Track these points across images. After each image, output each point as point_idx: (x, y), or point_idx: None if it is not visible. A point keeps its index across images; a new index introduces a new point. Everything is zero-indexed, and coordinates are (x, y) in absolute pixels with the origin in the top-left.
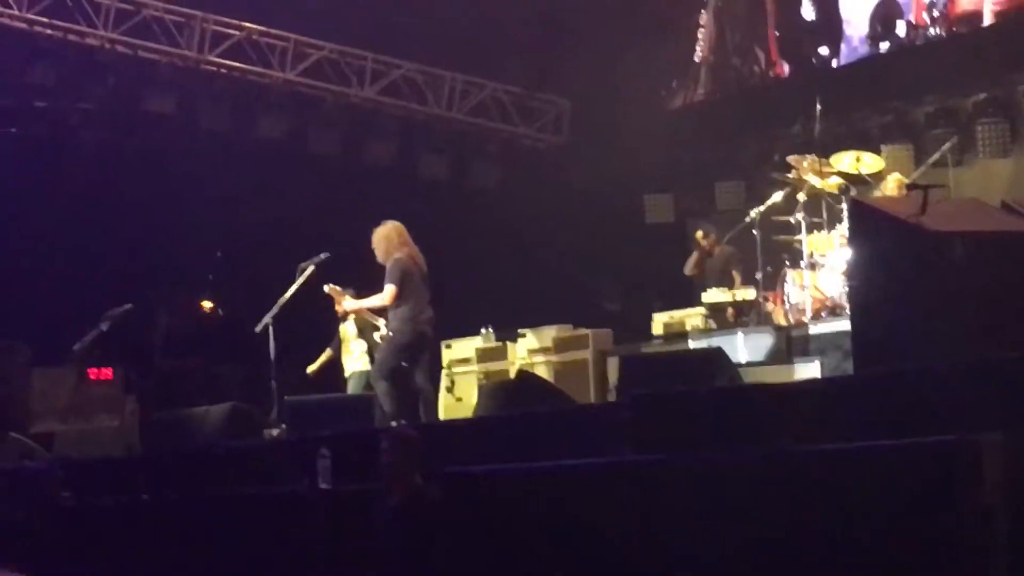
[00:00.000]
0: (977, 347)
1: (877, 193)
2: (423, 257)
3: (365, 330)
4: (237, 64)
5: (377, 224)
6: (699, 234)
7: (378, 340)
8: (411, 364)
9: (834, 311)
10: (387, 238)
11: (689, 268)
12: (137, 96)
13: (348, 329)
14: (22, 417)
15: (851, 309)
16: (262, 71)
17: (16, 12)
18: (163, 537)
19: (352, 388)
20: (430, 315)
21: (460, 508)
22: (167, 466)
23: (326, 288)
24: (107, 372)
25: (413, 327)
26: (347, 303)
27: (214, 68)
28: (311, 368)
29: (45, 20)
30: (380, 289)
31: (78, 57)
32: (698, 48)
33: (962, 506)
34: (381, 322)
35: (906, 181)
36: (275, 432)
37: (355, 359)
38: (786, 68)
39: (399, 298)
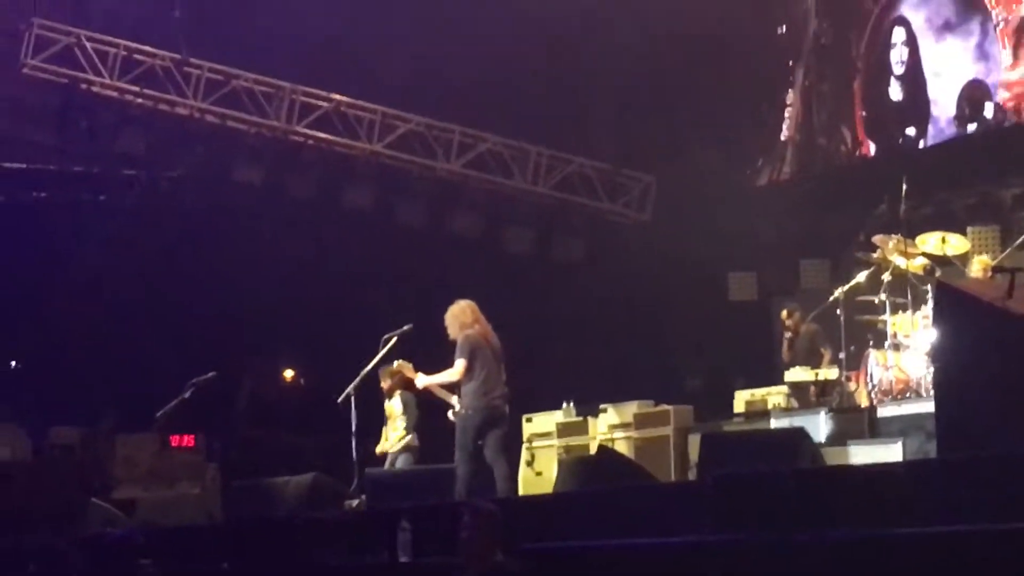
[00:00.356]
0: None
1: (963, 275)
2: (495, 335)
3: (409, 406)
4: (324, 135)
5: (462, 296)
6: (784, 313)
7: (451, 418)
8: (484, 439)
9: (917, 392)
10: (459, 315)
11: (784, 354)
12: (226, 165)
13: (394, 406)
14: (105, 483)
15: (935, 392)
16: (349, 142)
17: (107, 80)
18: None
19: (389, 466)
20: (503, 391)
21: None
22: (248, 535)
23: (396, 364)
24: (189, 439)
25: (486, 403)
26: (419, 379)
27: (301, 138)
28: (379, 448)
29: (136, 89)
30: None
31: (168, 126)
32: (784, 127)
33: None
34: (455, 399)
35: (992, 263)
36: (355, 504)
37: (394, 438)
38: (872, 148)
39: (469, 373)
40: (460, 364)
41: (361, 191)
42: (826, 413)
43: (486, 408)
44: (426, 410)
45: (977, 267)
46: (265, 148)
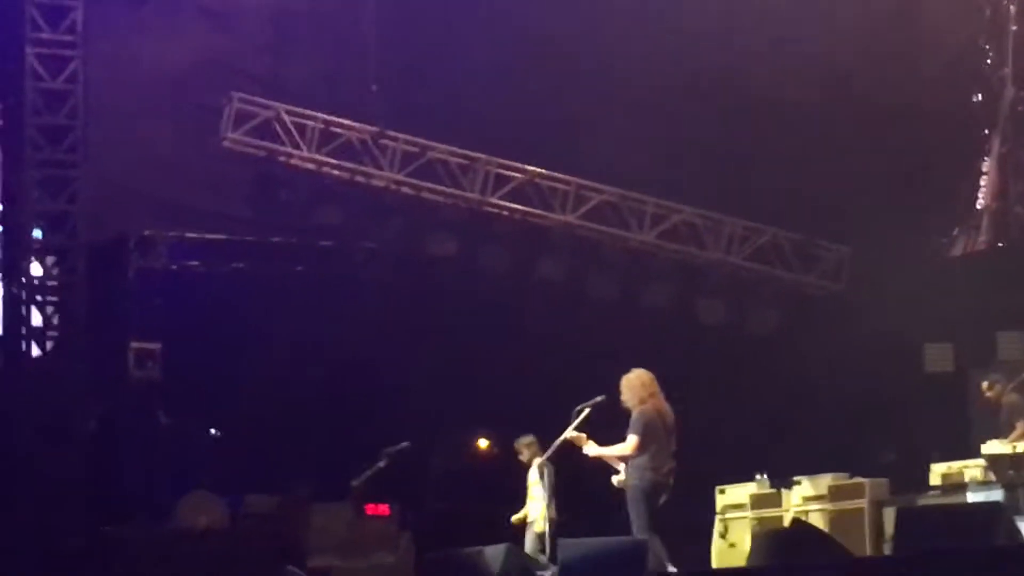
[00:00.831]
0: None
1: None
2: (670, 408)
3: (547, 476)
4: (518, 206)
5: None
6: (984, 385)
7: (615, 483)
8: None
9: None
10: (636, 387)
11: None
12: (420, 237)
13: (531, 476)
14: (300, 551)
15: None
16: (543, 213)
17: (305, 153)
18: None
19: (528, 537)
20: (671, 466)
21: None
22: None
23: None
24: (384, 508)
25: (653, 477)
26: (589, 448)
27: (496, 210)
28: (515, 517)
29: (333, 161)
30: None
31: (364, 198)
32: (981, 195)
33: None
34: (621, 466)
35: None
36: (548, 574)
37: (534, 507)
38: None
39: (641, 448)
40: (633, 440)
41: (555, 263)
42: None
43: (653, 482)
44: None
45: None
46: (460, 220)
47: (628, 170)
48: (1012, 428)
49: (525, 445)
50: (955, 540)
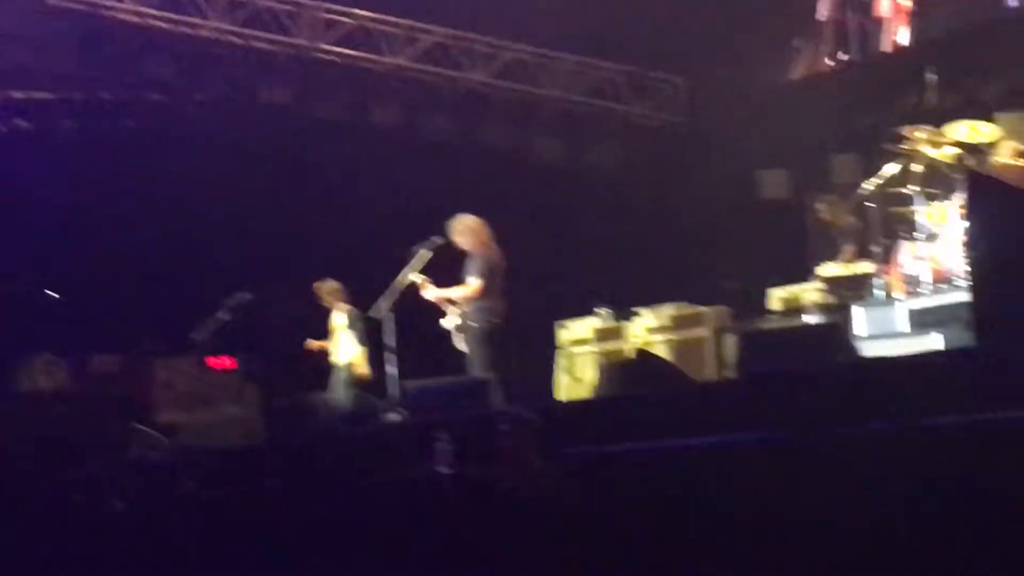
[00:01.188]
0: None
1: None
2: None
3: (354, 321)
4: (349, 51)
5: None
6: (819, 207)
7: (444, 325)
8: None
9: (953, 282)
10: (478, 231)
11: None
12: (252, 87)
13: (335, 320)
14: (147, 408)
15: (970, 282)
16: (374, 58)
17: (127, 6)
18: (284, 524)
19: (335, 379)
20: (505, 309)
21: (579, 489)
22: (288, 453)
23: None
24: (228, 360)
25: (493, 319)
26: (429, 292)
27: (326, 56)
28: (314, 344)
29: (156, 13)
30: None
31: (191, 50)
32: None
33: None
34: (451, 308)
35: (1020, 148)
36: (394, 417)
37: (341, 351)
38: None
39: (483, 291)
40: (477, 284)
41: (388, 107)
42: (862, 307)
43: (491, 324)
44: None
45: (1005, 152)
46: (291, 69)
47: (459, 9)
48: (847, 250)
49: (328, 291)
50: (794, 360)
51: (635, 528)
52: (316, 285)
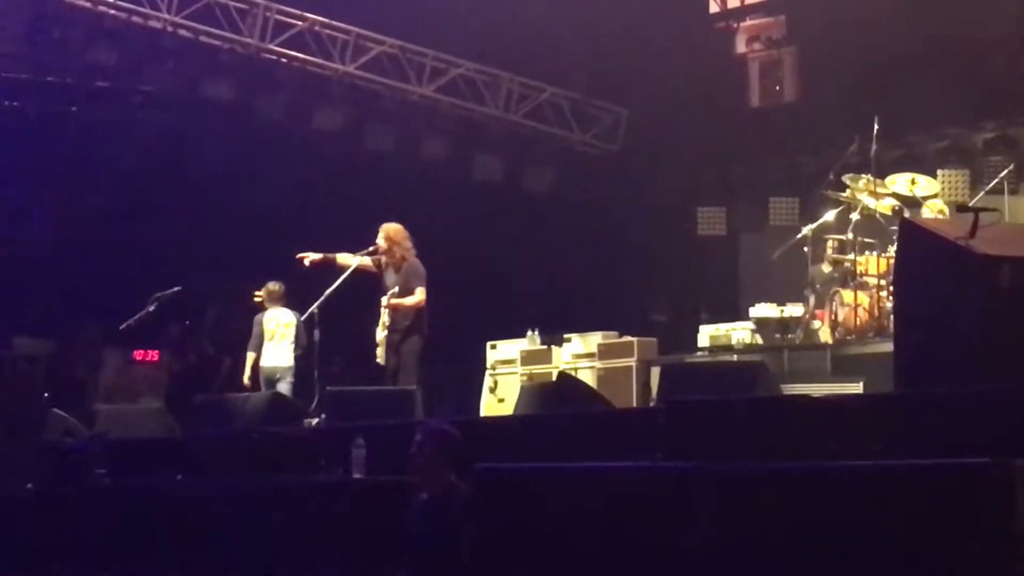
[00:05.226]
0: (1019, 372)
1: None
2: None
3: (300, 326)
4: (297, 54)
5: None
6: None
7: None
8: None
9: (881, 332)
10: (407, 238)
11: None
12: (197, 81)
13: (279, 318)
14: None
15: (895, 326)
16: (322, 63)
17: None
18: (194, 519)
19: (260, 380)
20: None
21: (489, 505)
22: (204, 449)
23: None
24: (153, 354)
25: (424, 331)
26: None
27: (274, 57)
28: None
29: (109, 1)
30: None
31: (140, 39)
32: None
33: (991, 531)
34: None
35: (945, 208)
36: (315, 422)
37: (277, 355)
38: None
39: (424, 299)
40: (423, 291)
41: (331, 113)
42: (789, 350)
43: (425, 335)
44: None
45: (932, 211)
46: (237, 67)
47: (407, 22)
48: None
49: (270, 292)
50: (717, 394)
51: (538, 547)
52: (266, 287)
